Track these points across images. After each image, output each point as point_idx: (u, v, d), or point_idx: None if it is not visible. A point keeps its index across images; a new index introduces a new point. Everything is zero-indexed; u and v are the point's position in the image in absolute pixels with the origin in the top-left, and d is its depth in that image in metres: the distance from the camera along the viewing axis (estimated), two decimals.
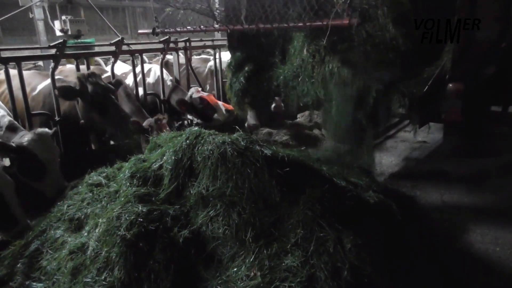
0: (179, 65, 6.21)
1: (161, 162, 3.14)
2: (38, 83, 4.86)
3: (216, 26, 4.69)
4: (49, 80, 4.57)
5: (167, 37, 5.66)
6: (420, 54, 3.73)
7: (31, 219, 3.49)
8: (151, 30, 5.30)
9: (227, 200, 2.73)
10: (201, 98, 5.22)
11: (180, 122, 5.51)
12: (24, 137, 3.62)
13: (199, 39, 6.99)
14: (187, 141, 3.06)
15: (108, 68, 5.68)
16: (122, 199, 2.89)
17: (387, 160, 5.66)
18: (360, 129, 4.18)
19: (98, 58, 7.62)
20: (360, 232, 2.66)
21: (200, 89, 5.45)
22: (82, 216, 3.11)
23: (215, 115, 5.30)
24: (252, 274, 2.43)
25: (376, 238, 2.76)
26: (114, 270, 2.46)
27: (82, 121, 4.52)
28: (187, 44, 6.06)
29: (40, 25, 8.95)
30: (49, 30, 9.18)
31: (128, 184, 3.07)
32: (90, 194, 3.28)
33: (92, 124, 4.56)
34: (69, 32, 8.52)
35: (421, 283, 2.81)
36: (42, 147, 3.63)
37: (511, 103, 5.18)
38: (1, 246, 3.17)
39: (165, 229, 2.69)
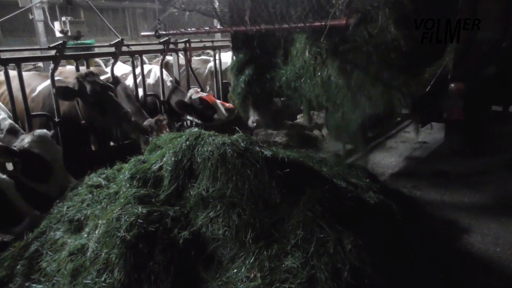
0: (179, 66, 6.21)
1: (161, 163, 3.14)
2: (38, 84, 4.86)
3: (220, 27, 4.70)
4: (48, 81, 4.56)
5: (167, 38, 5.66)
6: (421, 55, 3.74)
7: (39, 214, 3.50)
8: (154, 32, 5.32)
9: (227, 201, 2.73)
10: (200, 98, 5.22)
11: (180, 123, 5.51)
12: (25, 140, 3.62)
13: (199, 40, 6.99)
14: (187, 142, 3.06)
15: (108, 69, 5.68)
16: (122, 200, 2.89)
17: (387, 161, 5.66)
18: (363, 129, 4.18)
19: (98, 59, 7.61)
20: (360, 232, 2.66)
21: (199, 89, 5.45)
22: (82, 218, 3.10)
23: (216, 115, 5.30)
24: (252, 275, 2.43)
25: (376, 239, 2.76)
26: (114, 272, 2.45)
27: (83, 121, 4.52)
28: (187, 45, 6.06)
29: (40, 26, 8.95)
30: (49, 31, 9.18)
31: (128, 185, 3.07)
32: (90, 195, 3.27)
33: (94, 124, 4.56)
34: (69, 33, 8.51)
35: (421, 283, 2.81)
36: (44, 147, 3.63)
37: (511, 103, 5.20)
38: (1, 247, 3.17)
39: (165, 230, 2.69)
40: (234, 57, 5.50)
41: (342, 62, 4.09)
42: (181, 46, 6.06)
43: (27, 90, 4.50)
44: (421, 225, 3.75)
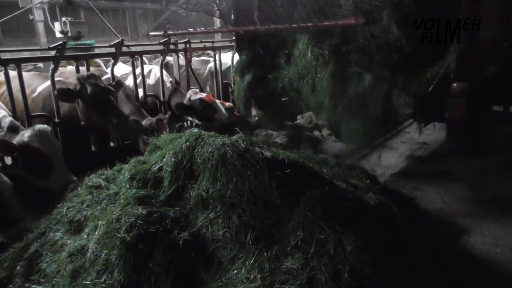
0: (179, 66, 6.21)
1: (161, 164, 3.13)
2: (38, 85, 4.86)
3: (228, 27, 4.72)
4: (49, 82, 4.56)
5: (167, 38, 5.66)
6: (423, 55, 3.75)
7: (32, 221, 3.50)
8: (163, 32, 5.34)
9: (227, 202, 2.72)
10: (200, 99, 5.21)
11: (180, 124, 5.51)
12: (25, 135, 3.62)
13: (199, 40, 6.99)
14: (187, 143, 3.06)
15: (108, 70, 5.68)
16: (122, 201, 2.88)
17: (387, 161, 5.65)
18: (368, 129, 4.19)
19: (98, 60, 7.62)
20: (360, 233, 2.66)
21: (197, 90, 5.44)
22: (82, 218, 3.10)
23: (216, 115, 5.29)
24: (252, 276, 2.42)
25: (377, 240, 2.76)
26: (113, 273, 2.45)
27: (83, 122, 4.52)
28: (187, 45, 6.06)
29: (40, 27, 8.95)
30: (49, 31, 9.17)
31: (128, 186, 3.06)
32: (90, 196, 3.27)
33: (93, 125, 4.56)
34: (69, 34, 8.51)
35: (422, 284, 2.81)
36: (44, 141, 3.64)
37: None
38: (0, 248, 3.17)
39: (165, 231, 2.68)
40: (239, 58, 5.51)
41: (344, 62, 4.10)
42: (181, 46, 6.06)
43: (27, 91, 4.51)
44: (421, 225, 3.74)
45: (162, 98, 5.68)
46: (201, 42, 7.02)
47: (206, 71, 7.11)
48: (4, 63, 4.21)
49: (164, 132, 4.47)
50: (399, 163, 5.61)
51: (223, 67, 6.77)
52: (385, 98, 3.89)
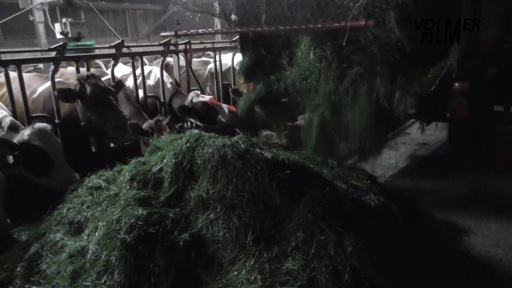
0: (179, 67, 6.22)
1: (161, 165, 3.13)
2: (39, 86, 4.86)
3: (238, 28, 4.75)
4: (49, 83, 4.56)
5: (168, 39, 5.67)
6: (424, 55, 3.77)
7: (32, 222, 3.51)
8: (173, 33, 5.36)
9: (228, 203, 2.72)
10: (202, 103, 5.21)
11: (180, 124, 5.50)
12: (25, 133, 3.63)
13: (199, 41, 7.00)
14: (187, 144, 3.05)
15: (109, 71, 5.68)
16: (122, 202, 2.88)
17: (387, 162, 5.65)
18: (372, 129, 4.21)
19: (98, 61, 7.62)
20: (361, 234, 2.66)
21: (199, 92, 5.44)
22: (82, 219, 3.10)
23: (218, 117, 5.29)
24: (253, 277, 2.42)
25: (377, 241, 2.76)
26: (114, 274, 2.45)
27: (83, 123, 4.52)
28: (187, 46, 6.06)
29: (41, 28, 8.96)
30: (50, 32, 9.18)
31: (128, 187, 3.06)
32: (90, 197, 3.27)
33: (91, 126, 4.56)
34: (70, 35, 8.52)
35: (422, 285, 2.81)
36: (44, 139, 3.65)
37: None
38: (0, 249, 3.17)
39: (165, 232, 2.68)
40: (242, 58, 5.53)
41: (347, 63, 4.12)
42: (181, 47, 6.06)
43: (28, 92, 4.51)
44: (421, 226, 3.74)
45: (162, 99, 5.68)
46: (201, 43, 7.03)
47: (206, 72, 7.11)
48: (5, 64, 4.21)
49: (164, 133, 4.47)
50: (400, 164, 5.61)
51: (223, 68, 6.77)
52: (389, 98, 3.91)
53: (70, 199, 3.44)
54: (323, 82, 4.33)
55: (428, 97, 3.77)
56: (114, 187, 3.24)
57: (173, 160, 3.03)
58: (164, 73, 5.80)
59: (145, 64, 6.32)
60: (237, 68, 6.85)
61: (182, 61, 6.30)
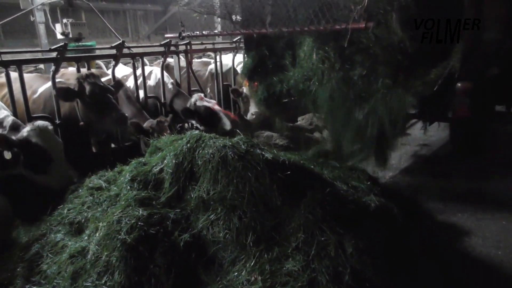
0: (180, 68, 6.22)
1: (162, 166, 3.14)
2: (39, 86, 4.87)
3: (242, 30, 4.78)
4: (50, 83, 4.57)
5: (168, 40, 5.67)
6: (427, 56, 3.79)
7: (32, 222, 3.51)
8: (177, 34, 5.38)
9: (228, 204, 2.72)
10: (205, 107, 5.20)
11: (180, 125, 5.51)
12: (24, 130, 3.64)
13: (199, 42, 7.00)
14: (188, 145, 3.06)
15: (109, 71, 5.68)
16: (123, 202, 2.88)
17: (388, 163, 5.64)
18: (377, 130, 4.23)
19: (99, 61, 7.63)
20: (361, 235, 2.66)
21: (202, 95, 5.43)
22: (83, 220, 3.10)
23: (221, 123, 5.28)
24: (253, 278, 2.42)
25: (378, 242, 2.76)
26: (114, 274, 2.45)
27: (82, 123, 4.52)
28: (188, 47, 6.06)
29: (41, 28, 8.97)
30: (50, 33, 9.19)
31: (128, 187, 3.06)
32: (91, 198, 3.27)
33: (91, 125, 4.56)
34: (70, 35, 8.53)
35: (423, 286, 2.81)
36: (43, 136, 3.65)
37: None
38: (1, 249, 3.18)
39: (166, 233, 2.69)
40: (246, 59, 5.56)
41: (349, 64, 4.14)
42: (182, 48, 6.07)
43: (29, 92, 4.51)
44: (422, 227, 3.74)
45: (162, 100, 5.68)
46: (202, 43, 7.02)
47: (207, 73, 7.12)
48: (6, 65, 4.22)
49: (165, 133, 4.47)
50: (400, 165, 5.61)
51: (224, 69, 6.77)
52: (392, 98, 3.94)
53: (70, 200, 3.44)
54: (327, 82, 4.35)
55: (430, 97, 3.79)
56: (115, 188, 3.24)
57: (174, 161, 3.03)
58: (165, 73, 5.80)
59: (146, 65, 6.32)
60: (238, 68, 6.89)
61: (183, 62, 6.30)
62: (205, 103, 5.23)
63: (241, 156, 2.85)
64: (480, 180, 4.89)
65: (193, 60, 6.51)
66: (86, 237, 2.84)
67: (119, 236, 2.56)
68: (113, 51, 5.19)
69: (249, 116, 6.15)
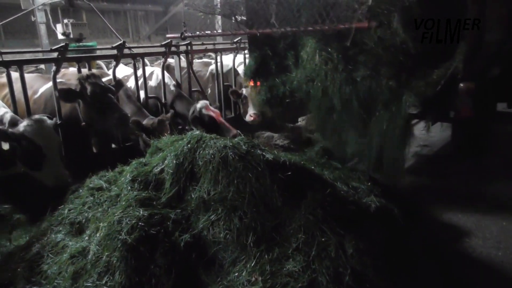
0: (181, 68, 6.22)
1: (162, 166, 3.14)
2: (40, 86, 4.87)
3: (247, 30, 4.79)
4: (50, 83, 4.57)
5: (169, 40, 5.67)
6: (429, 57, 3.82)
7: (33, 222, 3.52)
8: (179, 34, 5.39)
9: (228, 205, 2.72)
10: (210, 116, 5.21)
11: (180, 127, 5.51)
12: (21, 124, 3.65)
13: (200, 42, 7.00)
14: (189, 145, 3.06)
15: (110, 72, 5.68)
16: (123, 203, 2.89)
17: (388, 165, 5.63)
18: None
19: (99, 62, 7.63)
20: (361, 236, 2.66)
21: (208, 103, 5.44)
22: (83, 220, 3.11)
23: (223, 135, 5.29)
24: (253, 279, 2.42)
25: (378, 243, 2.76)
26: (115, 275, 2.45)
27: (83, 123, 4.52)
28: (189, 47, 6.07)
29: (42, 29, 8.99)
30: (51, 33, 9.21)
31: (129, 188, 3.07)
32: (91, 198, 3.28)
33: (93, 125, 4.57)
34: (71, 36, 8.54)
35: (423, 287, 2.81)
36: (38, 132, 3.64)
37: None
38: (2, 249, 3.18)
39: (166, 233, 2.69)
40: (250, 60, 5.57)
41: (352, 64, 4.15)
42: (182, 48, 6.07)
43: (29, 92, 4.52)
44: (422, 228, 3.74)
45: (163, 100, 5.68)
46: (203, 44, 7.02)
47: (207, 73, 7.11)
48: (7, 65, 4.22)
49: (166, 133, 4.47)
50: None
51: (225, 69, 6.77)
52: (396, 99, 3.96)
53: (71, 200, 3.45)
54: (331, 84, 4.38)
55: (433, 97, 3.82)
56: (115, 188, 3.24)
57: (174, 161, 3.04)
58: (167, 74, 5.80)
59: (146, 65, 6.32)
60: (238, 69, 6.89)
61: (183, 62, 6.30)
62: (211, 113, 5.24)
63: (242, 157, 2.86)
64: (480, 181, 4.89)
65: (194, 61, 6.51)
66: (86, 238, 2.85)
67: (120, 237, 2.57)
68: (114, 52, 5.20)
69: (247, 118, 6.15)
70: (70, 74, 5.52)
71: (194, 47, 6.22)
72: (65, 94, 4.25)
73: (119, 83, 4.81)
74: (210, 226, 2.71)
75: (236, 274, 2.50)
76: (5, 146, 3.69)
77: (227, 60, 7.00)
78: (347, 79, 4.24)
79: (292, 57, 4.95)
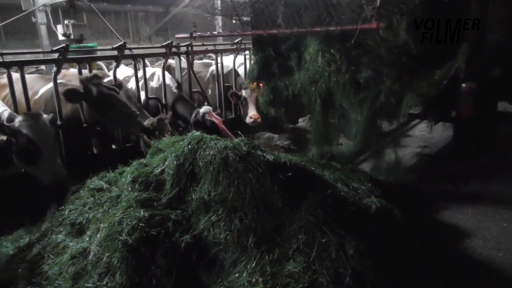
0: (181, 69, 6.22)
1: (163, 167, 3.14)
2: (40, 87, 4.87)
3: (254, 30, 4.82)
4: (51, 84, 4.57)
5: (170, 41, 5.68)
6: (431, 57, 3.87)
7: (33, 223, 3.52)
8: (188, 35, 5.43)
9: (229, 205, 2.73)
10: (212, 122, 5.23)
11: (180, 129, 5.52)
12: (16, 120, 3.64)
13: (201, 43, 7.00)
14: (189, 146, 3.06)
15: (111, 73, 5.69)
16: (124, 204, 2.89)
17: (389, 165, 5.63)
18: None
19: (100, 62, 7.64)
20: (362, 237, 2.66)
21: (211, 109, 5.46)
22: (84, 221, 3.11)
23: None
24: (254, 280, 2.43)
25: (378, 243, 2.76)
26: (115, 275, 2.46)
27: (85, 124, 4.53)
28: (189, 48, 6.07)
29: (43, 29, 9.00)
30: (52, 34, 9.22)
31: (130, 188, 3.07)
32: (92, 199, 3.28)
33: (96, 126, 4.57)
34: (72, 36, 8.54)
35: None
36: (32, 127, 3.61)
37: None
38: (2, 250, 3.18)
39: (167, 234, 2.69)
40: (254, 61, 5.59)
41: (355, 66, 4.17)
42: (183, 49, 6.08)
43: (30, 93, 4.52)
44: (423, 229, 3.74)
45: (164, 101, 5.69)
46: (203, 45, 7.03)
47: (208, 74, 7.11)
48: (7, 66, 4.23)
49: (166, 132, 4.48)
50: (401, 167, 5.60)
51: (225, 70, 6.78)
52: (398, 99, 3.98)
53: (72, 201, 3.45)
54: (334, 85, 4.40)
55: (435, 97, 3.84)
56: (116, 189, 3.24)
57: (175, 162, 3.04)
58: (169, 76, 5.81)
59: (147, 66, 6.32)
60: (239, 70, 6.89)
61: (184, 63, 6.31)
62: (213, 119, 5.27)
63: (242, 158, 2.86)
64: (481, 181, 4.89)
65: (194, 62, 6.52)
66: (87, 238, 2.85)
67: (121, 237, 2.57)
68: (115, 52, 5.20)
69: (247, 120, 6.15)
70: (70, 75, 5.53)
71: (195, 48, 6.23)
72: (70, 94, 4.25)
73: (119, 85, 4.81)
74: (211, 227, 2.72)
75: (237, 275, 2.50)
76: (2, 137, 3.67)
77: (228, 61, 7.00)
78: (350, 80, 4.26)
79: (295, 57, 4.97)
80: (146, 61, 6.21)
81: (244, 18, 5.12)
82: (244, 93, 6.26)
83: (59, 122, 4.52)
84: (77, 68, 4.93)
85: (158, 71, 6.03)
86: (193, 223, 2.82)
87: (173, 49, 5.85)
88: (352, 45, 4.06)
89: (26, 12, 8.46)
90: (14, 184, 3.94)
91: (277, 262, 2.50)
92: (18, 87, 4.27)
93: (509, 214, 4.09)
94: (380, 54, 3.99)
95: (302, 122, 7.51)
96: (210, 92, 6.81)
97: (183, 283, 2.53)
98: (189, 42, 5.98)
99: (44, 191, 3.82)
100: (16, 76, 4.35)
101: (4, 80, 4.48)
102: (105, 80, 5.05)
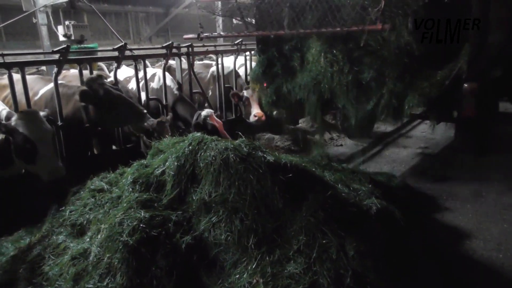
0: (182, 70, 6.23)
1: (164, 168, 3.14)
2: (40, 88, 4.87)
3: (260, 31, 4.85)
4: (51, 85, 4.58)
5: (170, 42, 5.69)
6: (433, 58, 3.90)
7: (34, 224, 3.52)
8: (196, 35, 5.45)
9: (230, 206, 2.73)
10: (213, 126, 5.25)
11: (180, 131, 5.53)
12: (12, 118, 3.65)
13: (201, 44, 7.00)
14: (190, 147, 3.06)
15: (111, 73, 5.69)
16: (125, 204, 2.89)
17: (389, 166, 5.65)
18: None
19: (101, 63, 7.64)
20: (362, 238, 2.66)
21: (213, 112, 5.47)
22: (85, 222, 3.11)
23: None
24: (255, 281, 2.43)
25: (379, 245, 2.76)
26: (116, 276, 2.45)
27: (87, 124, 4.53)
28: (190, 49, 6.08)
29: (44, 30, 9.00)
30: (52, 35, 9.23)
31: (130, 189, 3.07)
32: (93, 200, 3.28)
33: (100, 126, 4.57)
34: (72, 37, 8.55)
35: None
36: (29, 125, 3.62)
37: None
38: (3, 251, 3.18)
39: (168, 235, 2.69)
40: (257, 63, 5.62)
41: (358, 66, 4.21)
42: (183, 50, 6.08)
43: (30, 94, 4.52)
44: (423, 230, 3.74)
45: (164, 102, 5.69)
46: (204, 46, 7.02)
47: (208, 75, 7.12)
48: (8, 67, 4.23)
49: (166, 135, 4.47)
50: (401, 168, 5.61)
51: (226, 71, 6.78)
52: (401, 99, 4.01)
53: (72, 201, 3.45)
54: (337, 86, 4.42)
55: (437, 97, 3.86)
56: (117, 190, 3.24)
57: (176, 163, 3.04)
58: (170, 76, 5.81)
59: (147, 67, 6.32)
60: (239, 71, 6.90)
61: (184, 64, 6.31)
62: (214, 123, 5.28)
63: (243, 159, 2.86)
64: (481, 182, 4.89)
65: (195, 62, 6.52)
66: (88, 239, 2.85)
67: (121, 238, 2.57)
68: (115, 53, 5.21)
69: (251, 118, 6.17)
70: (71, 75, 5.53)
71: (195, 49, 6.24)
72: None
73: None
74: (211, 228, 2.72)
75: (237, 276, 2.50)
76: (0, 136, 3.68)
77: (228, 62, 7.00)
78: (353, 81, 4.29)
79: (297, 58, 4.98)
80: (147, 62, 6.21)
81: (249, 19, 5.14)
82: (245, 93, 6.27)
83: (59, 123, 4.53)
84: (78, 69, 4.94)
85: (159, 72, 6.03)
86: (193, 224, 2.82)
87: (174, 50, 5.86)
88: (354, 46, 4.08)
89: (27, 13, 8.48)
90: (15, 184, 3.94)
91: (278, 263, 2.50)
92: (18, 87, 4.28)
93: (509, 215, 4.09)
94: (382, 55, 4.02)
95: (302, 123, 7.51)
96: (210, 93, 6.81)
97: (183, 284, 2.53)
98: (190, 43, 5.98)
99: (44, 191, 3.82)
100: (16, 76, 4.35)
101: (5, 81, 4.48)
102: (106, 81, 5.06)
